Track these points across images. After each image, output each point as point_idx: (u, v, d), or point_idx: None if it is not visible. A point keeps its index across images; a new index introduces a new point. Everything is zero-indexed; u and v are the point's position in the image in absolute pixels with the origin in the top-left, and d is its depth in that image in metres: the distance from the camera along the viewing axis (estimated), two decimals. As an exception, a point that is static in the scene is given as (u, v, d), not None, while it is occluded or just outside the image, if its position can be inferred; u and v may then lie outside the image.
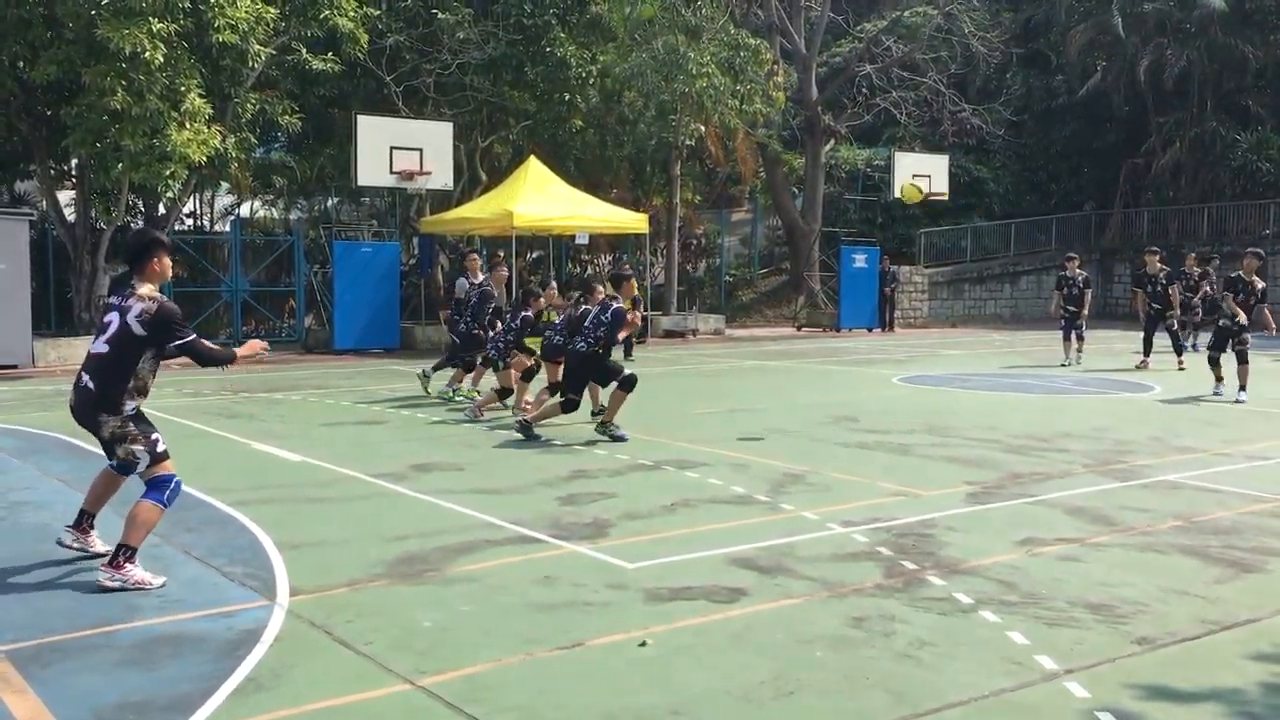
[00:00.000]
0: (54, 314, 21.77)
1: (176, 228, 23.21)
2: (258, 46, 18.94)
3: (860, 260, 28.17)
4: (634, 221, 23.40)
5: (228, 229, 27.48)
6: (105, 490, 6.12)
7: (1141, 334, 18.01)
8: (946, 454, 9.63)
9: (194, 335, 5.75)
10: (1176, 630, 5.02)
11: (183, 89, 17.64)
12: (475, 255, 14.11)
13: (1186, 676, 4.48)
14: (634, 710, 4.13)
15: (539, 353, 11.76)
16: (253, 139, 21.37)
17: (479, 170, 25.58)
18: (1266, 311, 13.96)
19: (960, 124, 32.59)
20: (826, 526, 6.93)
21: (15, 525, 7.00)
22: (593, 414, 11.25)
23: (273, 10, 19.02)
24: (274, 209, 31.69)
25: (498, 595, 5.50)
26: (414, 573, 5.90)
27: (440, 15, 23.33)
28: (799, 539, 6.61)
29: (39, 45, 18.09)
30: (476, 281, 13.49)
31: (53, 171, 21.96)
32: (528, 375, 11.96)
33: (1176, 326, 17.84)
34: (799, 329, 29.00)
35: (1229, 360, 13.75)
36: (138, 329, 5.58)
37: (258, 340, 6.31)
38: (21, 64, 18.57)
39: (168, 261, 5.82)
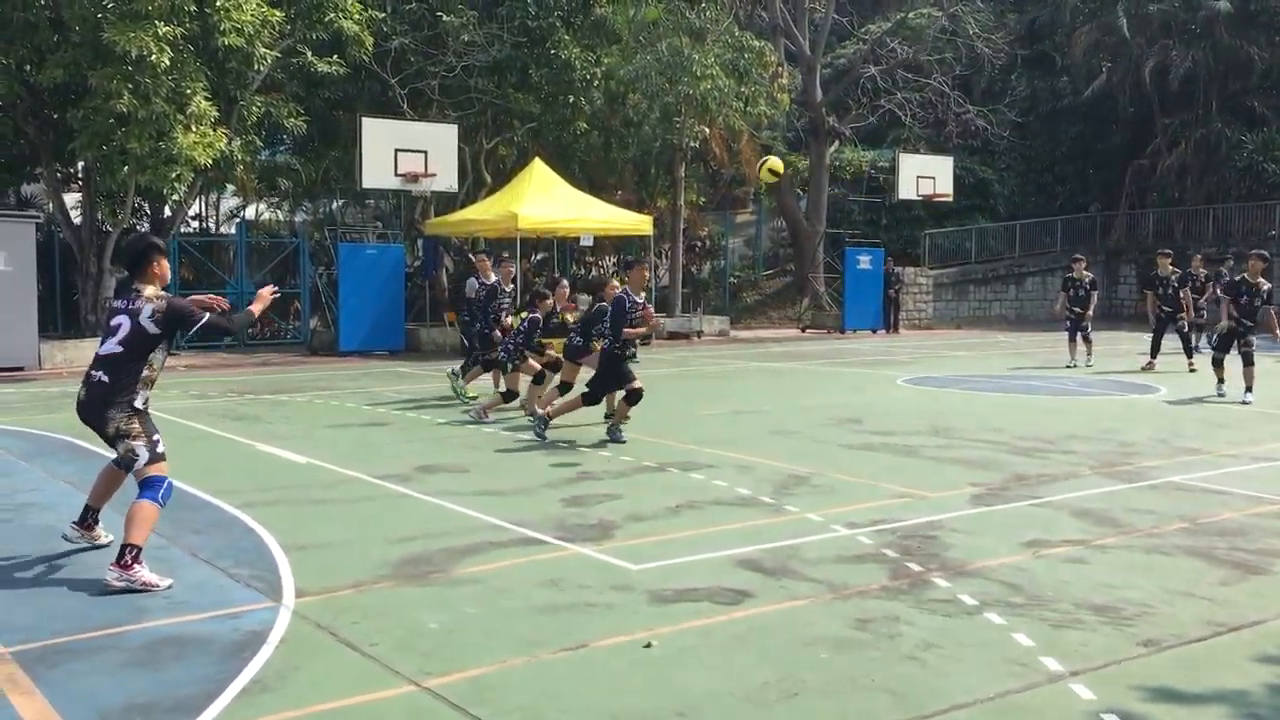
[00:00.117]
0: (60, 316, 21.83)
1: (182, 230, 23.26)
2: (263, 49, 18.98)
3: (865, 262, 28.16)
4: (638, 223, 23.41)
5: (233, 231, 27.55)
6: (108, 486, 6.22)
7: (1150, 336, 17.99)
8: (951, 455, 9.62)
9: (206, 315, 5.97)
10: (1182, 632, 5.02)
11: (188, 92, 17.69)
12: (485, 256, 14.13)
13: (1192, 678, 4.47)
14: (638, 712, 4.13)
15: (562, 354, 11.72)
16: (258, 142, 21.42)
17: (483, 172, 25.61)
18: (1272, 314, 13.82)
19: (965, 125, 32.57)
20: (831, 528, 6.93)
21: (22, 526, 7.02)
22: (605, 416, 11.24)
23: (278, 13, 19.07)
24: (279, 211, 31.76)
25: (502, 597, 5.51)
26: (419, 574, 5.91)
27: (445, 18, 23.37)
28: (804, 541, 6.61)
29: (45, 48, 18.15)
30: (488, 282, 13.51)
31: (59, 174, 22.02)
32: (538, 379, 11.96)
33: (1188, 329, 17.80)
34: (803, 331, 28.99)
35: (1234, 361, 13.72)
36: (152, 328, 5.75)
37: (265, 289, 6.42)
38: (28, 67, 18.63)
39: (166, 264, 5.99)
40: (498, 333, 12.84)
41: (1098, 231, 35.98)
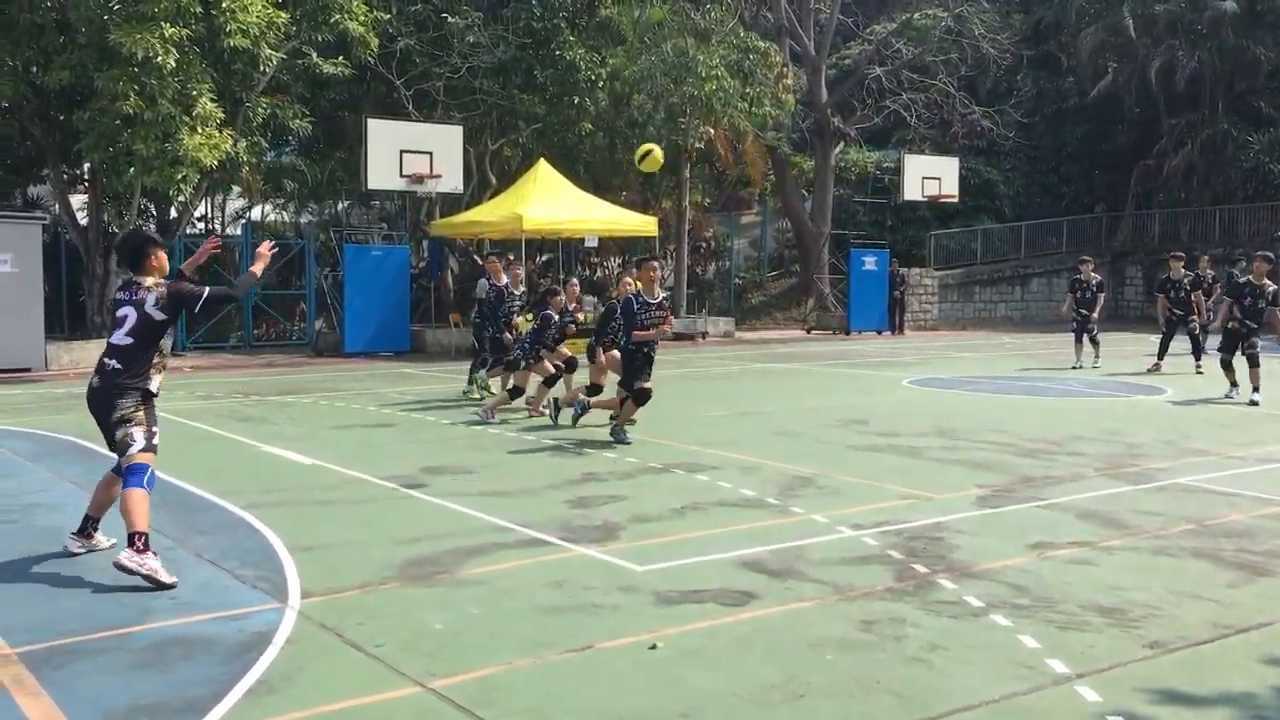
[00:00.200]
0: (67, 318, 21.86)
1: (188, 231, 23.30)
2: (269, 51, 19.02)
3: (870, 263, 28.13)
4: (643, 224, 23.40)
5: (239, 233, 27.58)
6: (108, 495, 6.22)
7: (1159, 337, 17.94)
8: (957, 457, 9.61)
9: (208, 290, 6.15)
10: (1189, 634, 5.00)
11: (194, 93, 17.73)
12: (495, 258, 14.10)
13: (1198, 680, 4.46)
14: (643, 713, 4.13)
15: (583, 354, 11.73)
16: (264, 143, 21.45)
17: (489, 173, 25.61)
18: (1277, 315, 13.77)
19: (970, 126, 32.51)
20: (836, 529, 6.92)
21: (28, 527, 7.03)
22: (611, 418, 11.22)
23: (284, 15, 19.10)
24: (285, 213, 31.77)
25: (508, 598, 5.51)
26: (424, 575, 5.91)
27: (450, 19, 23.39)
28: (809, 542, 6.60)
29: (52, 50, 18.20)
30: (498, 284, 13.49)
31: (65, 176, 22.07)
32: (550, 381, 11.96)
33: (1198, 330, 17.74)
34: (808, 331, 28.97)
35: (1240, 363, 13.68)
36: (158, 314, 5.95)
37: (263, 245, 6.52)
38: (35, 69, 18.68)
39: (164, 255, 6.18)
40: (508, 335, 12.87)
41: (1103, 232, 35.90)
